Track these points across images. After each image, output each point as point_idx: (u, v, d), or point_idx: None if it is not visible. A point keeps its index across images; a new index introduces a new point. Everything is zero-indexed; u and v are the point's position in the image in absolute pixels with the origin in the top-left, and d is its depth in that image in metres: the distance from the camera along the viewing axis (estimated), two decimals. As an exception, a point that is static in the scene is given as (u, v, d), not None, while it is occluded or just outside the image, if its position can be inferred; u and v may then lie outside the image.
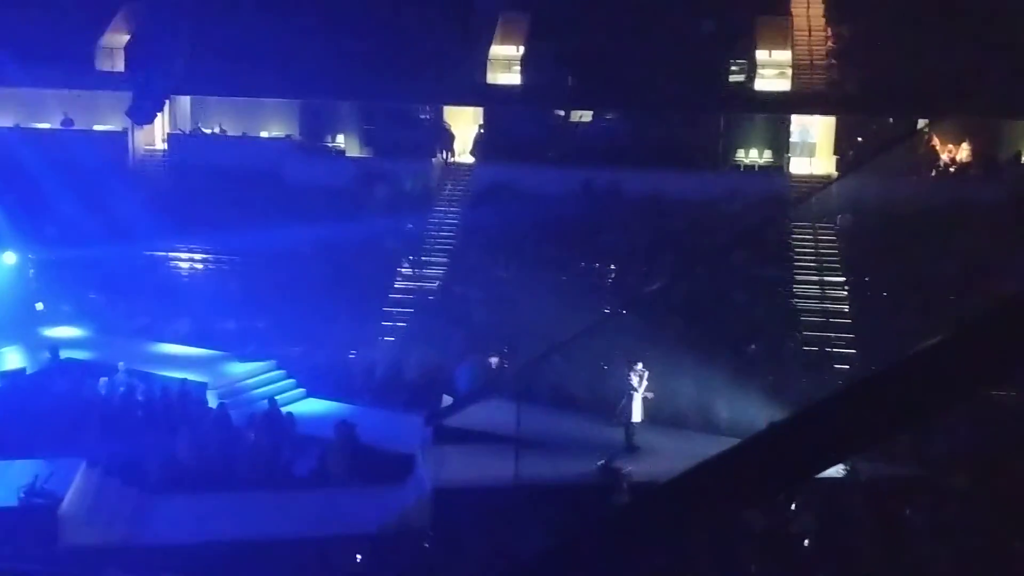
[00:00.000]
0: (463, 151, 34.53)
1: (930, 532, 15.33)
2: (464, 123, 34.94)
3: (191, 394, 21.67)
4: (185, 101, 37.01)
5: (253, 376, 23.80)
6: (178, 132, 36.43)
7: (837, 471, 17.06)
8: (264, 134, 36.76)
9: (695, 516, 2.10)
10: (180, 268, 30.81)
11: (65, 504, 16.09)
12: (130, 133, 35.41)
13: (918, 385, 2.04)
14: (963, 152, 32.66)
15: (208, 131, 36.78)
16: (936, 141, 33.01)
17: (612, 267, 28.32)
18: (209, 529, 16.71)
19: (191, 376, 22.64)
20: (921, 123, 33.22)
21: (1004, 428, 18.70)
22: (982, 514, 16.00)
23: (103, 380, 22.08)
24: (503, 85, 34.50)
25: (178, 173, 34.20)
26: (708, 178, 32.20)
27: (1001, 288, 24.73)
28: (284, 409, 20.98)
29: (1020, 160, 32.17)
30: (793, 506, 16.32)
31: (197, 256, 30.91)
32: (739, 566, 14.67)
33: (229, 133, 36.53)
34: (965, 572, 14.09)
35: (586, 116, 35.70)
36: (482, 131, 34.68)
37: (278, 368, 24.44)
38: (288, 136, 36.44)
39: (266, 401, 21.18)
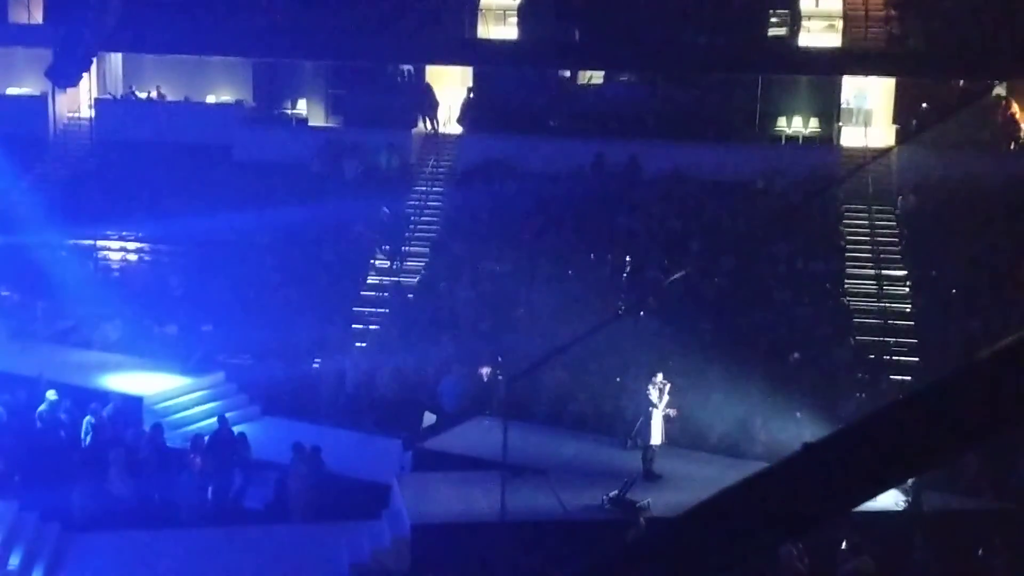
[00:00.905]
0: (449, 120, 34.56)
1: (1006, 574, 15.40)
2: (450, 86, 34.95)
3: (124, 412, 21.69)
4: (116, 59, 37.00)
5: (198, 390, 23.83)
6: (108, 97, 36.44)
7: (896, 503, 17.17)
8: (211, 99, 36.79)
9: (716, 552, 2.14)
10: (110, 260, 30.86)
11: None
12: (50, 98, 35.41)
13: (981, 398, 2.07)
14: (1047, 121, 32.73)
15: (144, 95, 36.80)
16: (1016, 108, 33.06)
17: (628, 259, 28.32)
18: (145, 573, 16.75)
19: (124, 391, 22.65)
20: (998, 87, 33.24)
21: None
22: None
23: (18, 395, 22.08)
24: (496, 40, 34.52)
25: (108, 146, 34.21)
26: (743, 152, 32.25)
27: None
28: (235, 429, 20.99)
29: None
30: (844, 545, 16.37)
31: (130, 246, 30.95)
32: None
33: (169, 98, 36.55)
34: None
35: (596, 77, 35.73)
36: (471, 96, 34.70)
37: (228, 381, 24.47)
38: (239, 102, 36.45)
39: (214, 420, 21.20)
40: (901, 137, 32.33)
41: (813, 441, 2.06)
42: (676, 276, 21.97)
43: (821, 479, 2.04)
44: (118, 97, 36.66)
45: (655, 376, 19.32)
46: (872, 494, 2.11)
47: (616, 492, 17.31)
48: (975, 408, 2.07)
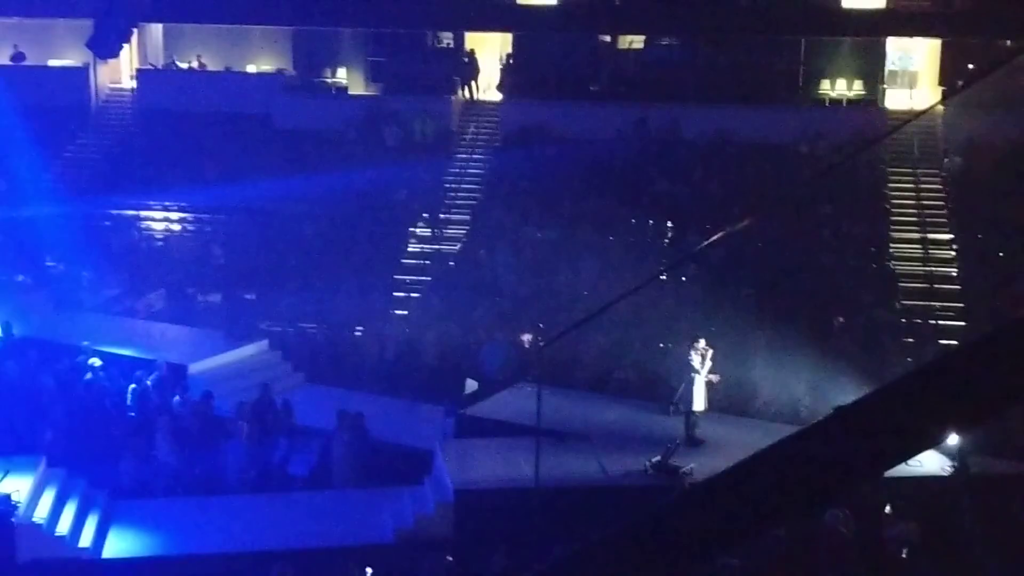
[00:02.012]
0: (488, 86, 34.49)
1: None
2: (490, 52, 34.86)
3: (169, 380, 21.90)
4: (157, 30, 37.18)
5: (242, 358, 24.01)
6: (149, 67, 36.65)
7: (942, 468, 17.07)
8: (251, 68, 36.89)
9: (749, 514, 2.15)
10: (153, 230, 31.09)
11: (22, 511, 16.37)
12: (91, 68, 35.65)
13: (1018, 356, 2.06)
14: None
15: (185, 65, 36.98)
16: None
17: (670, 224, 28.24)
18: (192, 539, 16.97)
19: (169, 359, 22.86)
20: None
21: None
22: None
23: (65, 364, 22.35)
24: (536, 5, 34.35)
25: (149, 116, 34.45)
26: (786, 114, 32.00)
27: None
28: (279, 397, 21.15)
29: None
30: (889, 510, 16.32)
31: (173, 215, 31.16)
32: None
33: (209, 68, 36.70)
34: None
35: (637, 41, 35.49)
36: (511, 61, 34.59)
37: (271, 349, 24.65)
38: (279, 70, 36.54)
39: (258, 388, 21.37)
40: (946, 97, 31.93)
41: (845, 404, 2.06)
42: (715, 237, 21.86)
43: (854, 442, 2.04)
44: (159, 67, 36.85)
45: (697, 341, 19.27)
46: (904, 458, 2.11)
47: (659, 458, 17.32)
48: (1010, 368, 2.06)
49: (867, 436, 1.95)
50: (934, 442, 2.09)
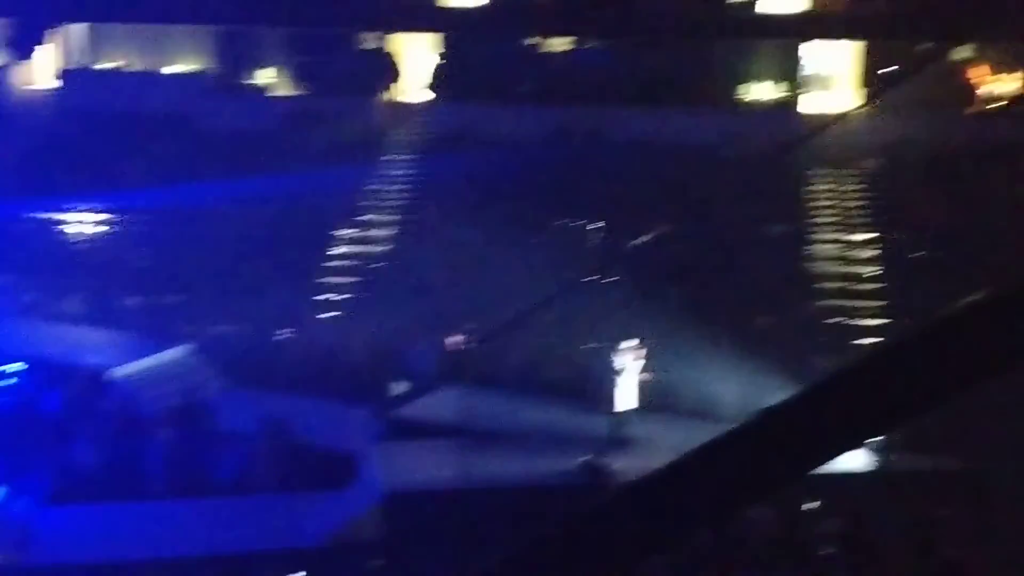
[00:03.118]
0: (417, 87, 34.42)
1: (974, 536, 15.62)
2: (418, 53, 34.78)
3: (91, 385, 21.59)
4: (80, 30, 36.58)
5: (165, 362, 23.73)
6: (71, 67, 36.05)
7: (864, 465, 17.37)
8: (173, 69, 36.45)
9: (677, 516, 2.19)
10: (73, 231, 30.59)
11: (-60, 519, 16.07)
12: (10, 69, 34.98)
13: (942, 356, 2.11)
14: (1013, 83, 32.92)
15: (106, 66, 36.41)
16: (980, 70, 33.23)
17: (596, 226, 28.40)
18: (115, 546, 16.75)
19: (90, 363, 22.54)
20: (963, 49, 33.37)
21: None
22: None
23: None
24: (463, 7, 34.30)
25: (71, 116, 33.88)
26: (708, 117, 32.28)
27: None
28: (203, 400, 20.95)
29: (1079, 93, 32.50)
30: (812, 506, 16.56)
31: (95, 217, 30.68)
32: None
33: (133, 68, 36.19)
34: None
35: (563, 45, 35.62)
36: (441, 62, 34.56)
37: (195, 352, 24.38)
38: (202, 71, 36.15)
39: (181, 392, 21.14)
40: (864, 100, 32.45)
41: (771, 406, 2.11)
42: (644, 239, 22.05)
43: (781, 443, 2.09)
44: (82, 67, 36.26)
45: (624, 342, 19.41)
46: (831, 457, 2.16)
47: (588, 458, 17.43)
48: (933, 369, 2.12)
49: (794, 437, 2.00)
50: (860, 442, 2.15)
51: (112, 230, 30.39)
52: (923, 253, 26.95)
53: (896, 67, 32.86)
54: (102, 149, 31.56)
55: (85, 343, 24.10)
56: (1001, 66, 33.28)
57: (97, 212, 30.70)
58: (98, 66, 36.40)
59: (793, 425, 2.12)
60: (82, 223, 30.59)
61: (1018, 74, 32.87)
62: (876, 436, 2.09)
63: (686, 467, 2.17)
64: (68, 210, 30.62)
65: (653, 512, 2.20)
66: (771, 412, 2.13)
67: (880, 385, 2.12)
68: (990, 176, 28.67)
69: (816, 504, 16.47)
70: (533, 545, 2.53)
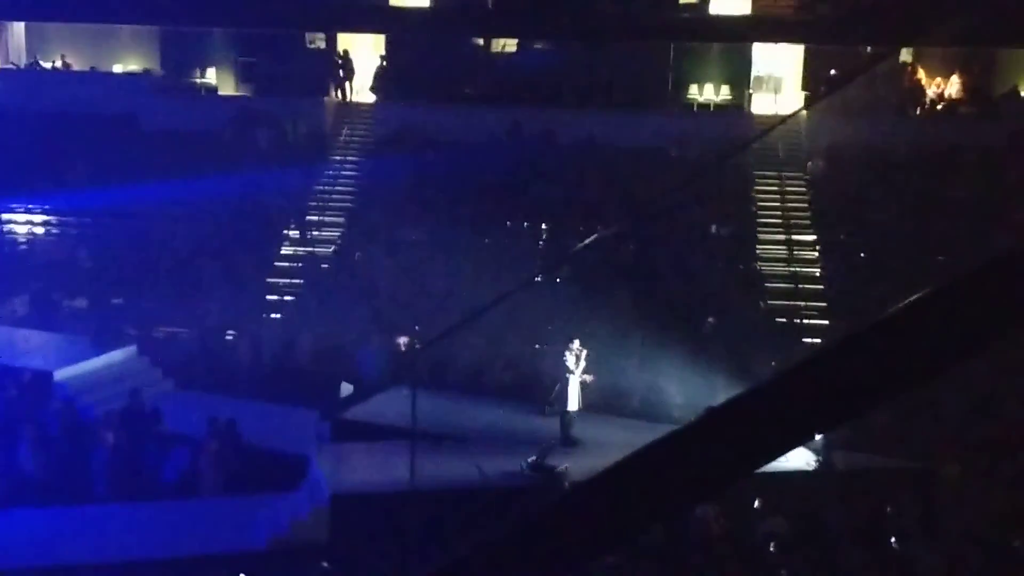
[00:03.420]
0: (362, 88, 34.31)
1: (917, 533, 15.81)
2: (363, 53, 34.67)
3: (33, 388, 21.32)
4: (19, 29, 36.11)
5: (110, 364, 23.47)
6: (10, 67, 35.58)
7: (808, 463, 17.53)
8: (117, 68, 36.09)
9: (626, 515, 2.18)
10: (16, 234, 30.19)
11: None
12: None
13: (881, 356, 2.13)
14: (953, 86, 33.39)
15: (48, 65, 35.99)
16: (922, 74, 33.69)
17: (544, 227, 28.47)
18: (59, 550, 16.54)
19: (33, 366, 22.25)
20: (905, 53, 33.82)
21: (1001, 411, 19.30)
22: (977, 510, 16.52)
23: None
24: (409, 7, 34.27)
25: (11, 117, 33.38)
26: (656, 119, 32.45)
27: (998, 244, 25.44)
28: (149, 404, 20.75)
29: (1018, 95, 33.00)
30: (757, 504, 16.69)
31: (37, 219, 30.32)
32: (695, 575, 14.98)
33: (74, 67, 35.80)
34: (956, 577, 14.58)
35: (510, 45, 35.68)
36: (385, 64, 34.46)
37: (140, 355, 24.14)
38: (147, 71, 35.82)
39: (127, 395, 20.92)
40: (809, 103, 32.78)
41: (717, 406, 2.11)
42: (589, 240, 22.12)
43: (726, 442, 2.09)
44: (21, 67, 35.80)
45: (572, 342, 19.46)
46: (775, 455, 2.17)
47: (534, 458, 17.45)
48: (877, 367, 2.13)
49: (739, 436, 2.01)
50: (802, 440, 2.15)
51: (55, 231, 30.02)
52: (863, 255, 27.25)
53: (842, 70, 33.30)
54: (45, 150, 31.16)
55: (27, 345, 23.77)
56: (942, 70, 33.76)
57: (39, 213, 30.31)
58: (40, 65, 35.92)
59: (738, 424, 2.13)
60: (24, 224, 30.18)
61: (958, 77, 33.33)
62: (818, 433, 2.11)
63: (633, 466, 2.17)
64: (9, 211, 30.20)
65: (602, 510, 2.19)
66: (717, 411, 2.14)
67: (822, 384, 2.13)
68: (932, 177, 29.06)
69: (764, 502, 16.58)
70: (483, 546, 2.52)
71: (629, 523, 2.19)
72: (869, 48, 33.74)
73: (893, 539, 15.53)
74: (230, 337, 24.80)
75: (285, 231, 29.49)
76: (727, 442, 2.15)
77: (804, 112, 31.84)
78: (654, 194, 28.90)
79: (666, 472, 2.16)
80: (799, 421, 2.14)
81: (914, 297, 2.10)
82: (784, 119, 30.05)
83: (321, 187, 31.29)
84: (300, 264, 28.37)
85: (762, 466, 2.19)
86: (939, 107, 33.44)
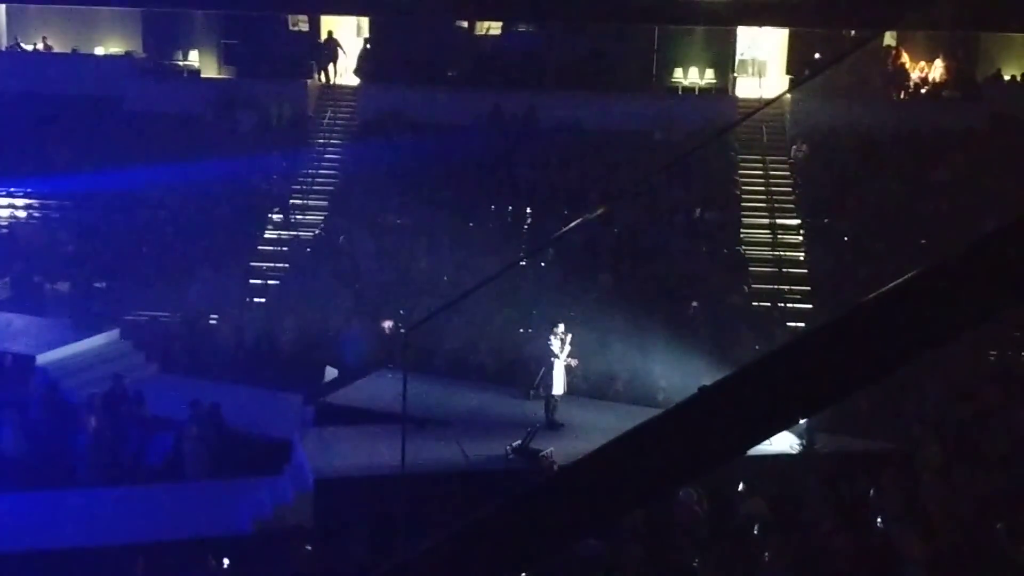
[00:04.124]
0: (345, 71, 34.19)
1: (899, 515, 15.86)
2: (347, 36, 34.54)
3: (15, 370, 21.25)
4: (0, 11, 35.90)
5: (92, 348, 23.42)
6: (-10, 48, 35.36)
7: (790, 446, 17.57)
8: (99, 50, 35.87)
9: (615, 495, 2.18)
10: (-3, 216, 30.06)
11: None
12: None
13: (866, 339, 2.12)
14: (936, 70, 33.44)
15: (29, 47, 35.75)
16: (905, 57, 33.73)
17: (528, 210, 28.44)
18: (42, 534, 16.50)
19: (15, 350, 22.18)
20: (888, 37, 33.86)
21: (983, 392, 19.37)
22: (959, 493, 16.59)
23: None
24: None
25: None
26: (640, 102, 32.44)
27: (982, 228, 25.53)
28: (132, 388, 20.70)
29: (1002, 79, 33.08)
30: (740, 487, 16.72)
31: (19, 202, 30.15)
32: (678, 557, 15.01)
33: (56, 49, 35.56)
34: (939, 561, 14.63)
35: (494, 28, 35.58)
36: (368, 46, 34.34)
37: (123, 338, 24.08)
38: (129, 53, 35.61)
39: (109, 379, 20.86)
40: (795, 85, 32.79)
41: (708, 385, 2.10)
42: (574, 223, 22.04)
43: (715, 421, 2.09)
44: (2, 49, 35.56)
45: (556, 326, 19.45)
46: (764, 436, 2.16)
47: (519, 442, 17.43)
48: (861, 350, 2.12)
49: (727, 417, 2.00)
50: (791, 422, 2.15)
51: (37, 214, 29.86)
52: (847, 238, 27.30)
53: (826, 54, 33.30)
54: (26, 133, 30.98)
55: (9, 328, 23.68)
56: (926, 53, 33.80)
57: (21, 197, 30.14)
58: (21, 47, 35.68)
59: (724, 406, 2.12)
60: (6, 208, 30.01)
61: (942, 61, 33.37)
62: (808, 415, 2.10)
63: (622, 446, 2.16)
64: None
65: (589, 491, 2.19)
66: (702, 393, 2.13)
67: (807, 367, 2.13)
68: (915, 161, 29.12)
69: (746, 485, 16.62)
70: (467, 526, 2.51)
71: (616, 504, 2.18)
72: (853, 32, 33.77)
73: (879, 520, 15.58)
74: (213, 321, 24.75)
75: (269, 215, 29.39)
76: (716, 422, 2.14)
77: (788, 96, 31.87)
78: (638, 178, 28.85)
79: (655, 452, 2.15)
80: (787, 403, 2.14)
81: (901, 279, 2.10)
82: (770, 102, 30.07)
83: (305, 170, 31.19)
84: (284, 248, 28.29)
85: (750, 448, 2.19)
86: (923, 91, 33.49)
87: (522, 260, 23.45)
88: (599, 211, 24.00)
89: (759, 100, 32.36)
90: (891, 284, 2.10)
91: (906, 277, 2.09)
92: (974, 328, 2.23)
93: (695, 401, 2.14)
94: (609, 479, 2.18)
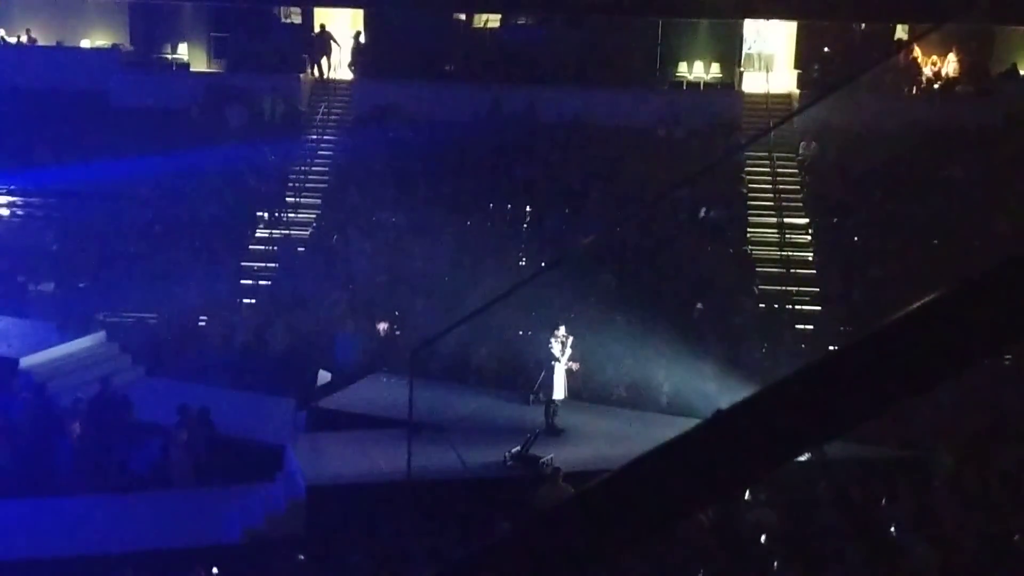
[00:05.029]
0: (339, 64, 34.14)
1: (911, 523, 15.82)
2: (340, 29, 34.49)
3: (-2, 375, 21.20)
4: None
5: (78, 351, 23.34)
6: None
7: (803, 455, 17.53)
8: (85, 43, 35.83)
9: (633, 521, 2.12)
10: (-21, 214, 29.99)
11: None
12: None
13: (899, 358, 2.07)
14: (950, 65, 33.41)
15: (12, 40, 35.70)
16: (918, 52, 33.68)
17: (528, 209, 28.40)
18: (26, 543, 16.44)
19: (-3, 352, 22.14)
20: (900, 30, 33.84)
21: (998, 399, 19.34)
22: (972, 502, 16.56)
23: None
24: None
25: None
26: (644, 98, 32.42)
27: (997, 229, 25.50)
28: (118, 392, 20.64)
29: (1017, 74, 33.04)
30: (747, 495, 16.67)
31: (1, 199, 30.07)
32: (683, 567, 14.96)
33: (40, 42, 35.51)
34: (953, 573, 14.60)
35: (493, 20, 35.54)
36: (363, 40, 34.29)
37: (109, 341, 24.01)
38: (116, 46, 35.55)
39: (95, 382, 20.81)
40: (803, 82, 32.77)
41: (724, 408, 2.05)
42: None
43: (733, 446, 2.03)
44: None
45: (557, 329, 19.40)
46: (789, 458, 2.11)
47: (518, 448, 17.38)
48: (885, 372, 2.07)
49: (747, 440, 1.94)
50: (815, 445, 2.10)
51: (20, 212, 29.79)
52: (857, 239, 27.27)
53: (835, 48, 33.26)
54: (9, 128, 30.90)
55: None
56: (939, 47, 33.75)
57: (3, 194, 30.07)
58: (4, 39, 35.62)
59: (746, 427, 2.06)
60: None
61: (955, 55, 33.33)
62: (833, 437, 2.04)
63: (638, 471, 2.10)
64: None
65: (603, 518, 2.13)
66: (726, 413, 2.07)
67: (837, 384, 2.07)
68: (928, 158, 29.07)
69: (753, 494, 16.57)
70: (478, 552, 2.45)
71: (633, 531, 2.12)
72: (863, 25, 33.77)
73: (892, 529, 15.54)
74: (203, 322, 24.69)
75: (259, 213, 29.33)
76: (735, 446, 2.08)
77: (796, 91, 31.86)
78: (641, 174, 28.79)
79: (670, 478, 2.09)
80: (811, 424, 2.08)
81: (936, 293, 2.04)
82: (777, 99, 29.98)
83: (298, 167, 31.15)
84: (275, 247, 28.23)
85: (770, 472, 2.13)
86: (936, 86, 33.45)
87: (522, 261, 23.38)
88: (599, 212, 23.96)
89: (766, 95, 32.31)
90: (930, 296, 2.05)
91: (943, 291, 2.04)
92: (1010, 347, 2.17)
93: (715, 422, 2.09)
94: (624, 505, 2.13)
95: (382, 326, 23.23)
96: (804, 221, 28.88)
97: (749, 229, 28.64)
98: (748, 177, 30.46)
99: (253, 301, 25.92)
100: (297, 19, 35.36)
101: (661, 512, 2.03)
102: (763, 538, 15.86)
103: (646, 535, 2.11)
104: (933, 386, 2.06)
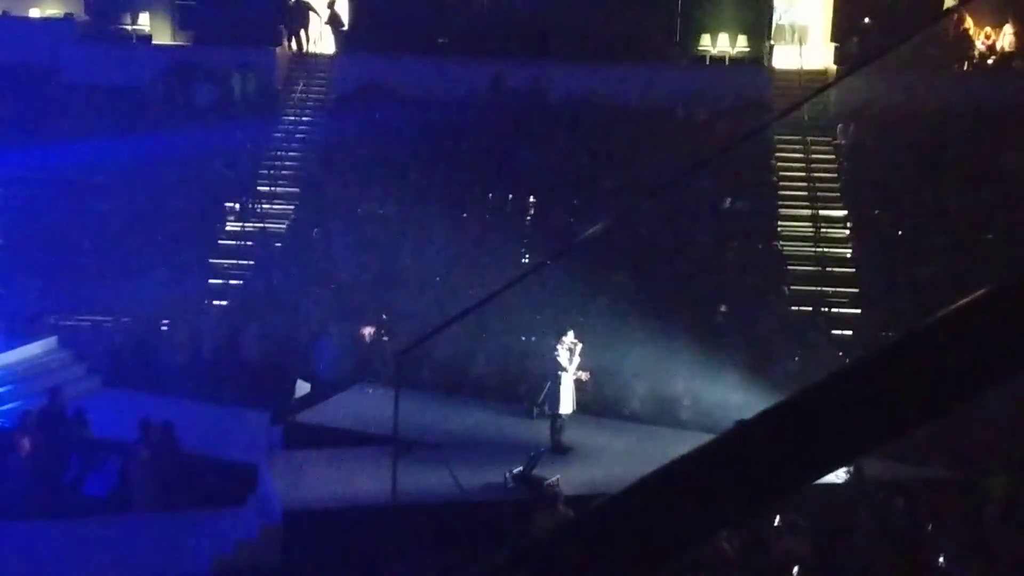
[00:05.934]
0: (320, 37, 34.23)
1: (959, 553, 15.87)
2: (321, -3, 34.62)
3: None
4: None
5: (26, 359, 23.42)
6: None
7: (835, 475, 17.56)
8: (34, 12, 35.90)
9: (629, 557, 2.17)
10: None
11: None
12: None
13: (942, 363, 2.11)
14: (1005, 38, 33.45)
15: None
16: (970, 23, 33.71)
17: (531, 200, 28.45)
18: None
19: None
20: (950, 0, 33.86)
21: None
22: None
23: None
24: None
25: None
26: (662, 74, 32.45)
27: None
28: (71, 405, 20.71)
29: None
30: (776, 522, 16.72)
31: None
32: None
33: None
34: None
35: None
36: (347, 9, 34.36)
37: (61, 348, 24.09)
38: (68, 15, 35.64)
39: (46, 394, 20.88)
40: (840, 56, 32.80)
41: (747, 419, 2.09)
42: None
43: (758, 462, 2.08)
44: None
45: (564, 334, 19.44)
46: (818, 476, 2.15)
47: (521, 468, 17.43)
48: (934, 376, 2.11)
49: (773, 455, 1.99)
50: (846, 461, 2.13)
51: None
52: (900, 232, 27.29)
53: (880, 19, 33.25)
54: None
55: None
56: (993, 18, 33.78)
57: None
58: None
59: (771, 440, 2.11)
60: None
61: (1011, 27, 33.36)
62: (866, 451, 2.08)
63: (642, 493, 2.15)
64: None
65: (602, 548, 2.18)
66: (751, 425, 2.12)
67: (873, 392, 2.12)
68: (979, 143, 29.08)
69: (783, 520, 16.62)
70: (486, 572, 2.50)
71: (629, 567, 2.17)
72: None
73: (940, 559, 15.58)
74: (166, 327, 24.76)
75: (230, 204, 29.39)
76: (756, 464, 2.13)
77: (833, 68, 31.87)
78: (658, 160, 28.85)
79: (680, 501, 2.14)
80: (844, 437, 2.13)
81: (983, 291, 2.09)
82: (811, 76, 29.87)
83: (272, 151, 31.21)
84: (248, 242, 28.30)
85: (796, 493, 2.18)
86: (989, 61, 33.48)
87: (525, 257, 23.44)
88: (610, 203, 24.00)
89: (799, 72, 32.36)
90: (975, 294, 2.09)
91: (991, 288, 2.08)
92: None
93: (737, 434, 2.14)
94: (636, 526, 2.18)
95: (367, 331, 23.28)
96: (841, 213, 28.92)
97: (780, 222, 28.68)
98: (779, 164, 30.50)
99: (223, 303, 26.01)
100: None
101: (670, 541, 2.06)
102: (796, 570, 15.92)
103: (652, 567, 2.15)
104: (975, 396, 2.10)
